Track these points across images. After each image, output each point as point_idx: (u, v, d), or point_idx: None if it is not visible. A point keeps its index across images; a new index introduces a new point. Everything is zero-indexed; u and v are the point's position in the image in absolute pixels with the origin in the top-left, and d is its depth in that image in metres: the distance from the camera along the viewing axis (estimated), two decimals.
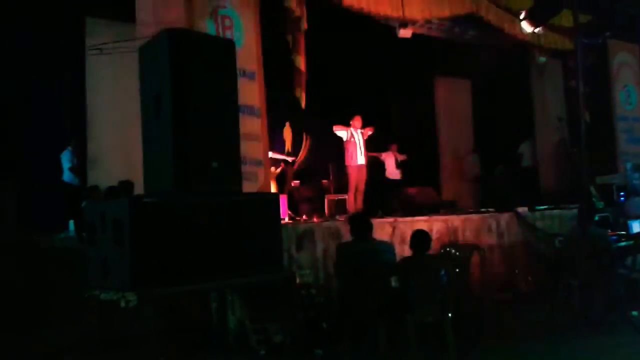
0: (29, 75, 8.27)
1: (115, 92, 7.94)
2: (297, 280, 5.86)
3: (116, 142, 8.08)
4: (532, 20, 10.16)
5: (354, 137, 8.91)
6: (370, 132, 9.11)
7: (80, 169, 8.44)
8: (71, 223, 7.55)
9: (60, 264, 5.86)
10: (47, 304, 5.44)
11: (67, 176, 8.42)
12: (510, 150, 11.94)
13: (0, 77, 7.91)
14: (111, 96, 8.10)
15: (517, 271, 7.97)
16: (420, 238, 5.05)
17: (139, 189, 5.58)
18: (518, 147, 11.84)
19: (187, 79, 3.29)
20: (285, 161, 9.75)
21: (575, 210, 8.97)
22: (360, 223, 5.01)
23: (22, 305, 5.43)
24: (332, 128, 8.96)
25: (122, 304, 3.13)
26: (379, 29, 9.55)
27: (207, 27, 6.76)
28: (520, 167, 11.69)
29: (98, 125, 8.37)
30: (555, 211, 9.19)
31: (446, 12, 9.55)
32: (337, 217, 8.18)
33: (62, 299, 5.25)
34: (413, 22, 9.39)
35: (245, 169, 6.22)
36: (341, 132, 8.93)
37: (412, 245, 5.04)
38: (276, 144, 9.76)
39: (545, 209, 9.24)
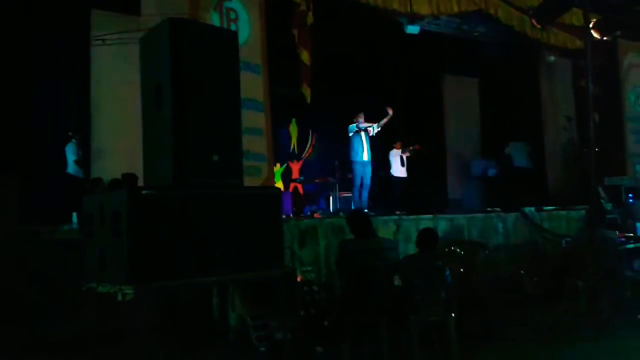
0: (33, 69, 8.25)
1: (119, 84, 7.87)
2: (299, 277, 5.80)
3: (121, 134, 8.01)
4: (539, 18, 10.05)
5: (359, 133, 8.88)
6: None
7: (84, 161, 8.41)
8: (74, 215, 7.52)
9: (62, 256, 5.81)
10: (48, 296, 5.41)
11: (71, 168, 8.41)
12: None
13: (4, 71, 7.88)
14: (116, 88, 8.03)
15: (522, 272, 7.88)
16: (427, 237, 4.96)
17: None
18: (505, 149, 11.66)
19: (188, 69, 3.22)
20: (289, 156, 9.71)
21: (582, 211, 8.92)
22: (358, 220, 4.92)
23: (22, 298, 5.39)
24: (344, 127, 8.97)
25: (119, 297, 3.07)
26: (386, 24, 9.47)
27: (212, 19, 6.71)
28: (512, 167, 11.48)
29: (102, 117, 8.31)
30: (562, 212, 9.10)
31: (455, 9, 9.45)
32: (341, 213, 8.12)
33: (62, 292, 5.21)
34: (421, 18, 9.31)
35: (248, 163, 6.18)
36: (351, 128, 8.96)
37: (419, 243, 4.95)
38: (282, 139, 9.71)
39: (552, 209, 9.14)
